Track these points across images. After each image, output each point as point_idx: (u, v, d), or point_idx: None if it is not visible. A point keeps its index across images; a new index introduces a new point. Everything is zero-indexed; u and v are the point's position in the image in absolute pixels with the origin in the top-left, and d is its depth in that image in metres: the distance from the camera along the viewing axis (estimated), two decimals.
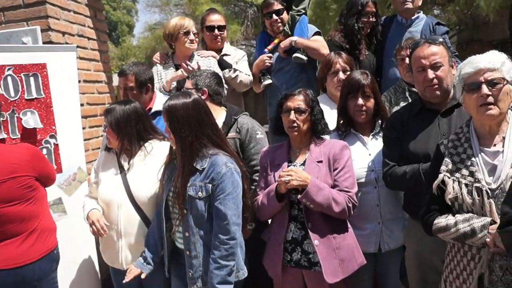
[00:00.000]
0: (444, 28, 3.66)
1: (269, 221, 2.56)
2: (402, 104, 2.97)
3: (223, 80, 3.07)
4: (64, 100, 3.05)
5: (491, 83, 1.79)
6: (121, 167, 2.66)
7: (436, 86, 2.27)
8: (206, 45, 3.85)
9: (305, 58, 3.57)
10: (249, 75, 3.66)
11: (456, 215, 1.84)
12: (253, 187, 2.63)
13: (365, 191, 2.53)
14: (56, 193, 2.92)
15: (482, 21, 9.24)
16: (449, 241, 1.91)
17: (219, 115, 2.76)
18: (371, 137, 2.65)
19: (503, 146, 1.82)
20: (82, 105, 3.51)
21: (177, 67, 3.53)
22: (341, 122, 2.69)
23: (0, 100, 2.71)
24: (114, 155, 2.71)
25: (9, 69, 2.84)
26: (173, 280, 2.45)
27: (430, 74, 2.26)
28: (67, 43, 3.53)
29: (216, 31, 3.70)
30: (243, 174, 2.30)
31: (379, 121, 2.68)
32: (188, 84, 2.79)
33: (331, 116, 2.67)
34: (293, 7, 3.77)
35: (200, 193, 2.21)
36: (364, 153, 2.60)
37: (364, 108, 2.58)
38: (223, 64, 3.57)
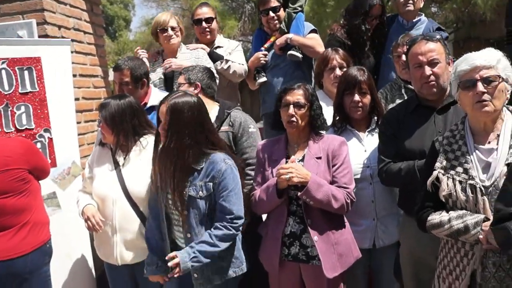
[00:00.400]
0: (444, 34, 3.65)
1: (264, 215, 2.56)
2: (398, 101, 2.97)
3: (214, 74, 3.07)
4: (58, 94, 3.03)
5: (487, 81, 1.79)
6: (116, 163, 2.65)
7: (433, 82, 2.27)
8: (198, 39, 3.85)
9: (300, 55, 3.56)
10: (243, 64, 3.63)
11: (450, 212, 1.85)
12: (248, 181, 2.64)
13: (361, 187, 2.53)
14: (50, 187, 2.91)
15: (479, 19, 9.27)
16: (443, 237, 1.92)
17: (212, 109, 2.77)
18: (367, 133, 2.65)
19: (497, 144, 1.82)
20: (77, 99, 3.50)
21: None
22: (337, 118, 2.69)
23: None
24: (109, 150, 2.70)
25: (3, 63, 2.82)
26: (168, 282, 2.42)
27: (427, 70, 2.26)
28: (63, 37, 3.51)
29: (203, 23, 3.68)
30: (239, 170, 2.30)
31: (375, 118, 2.68)
32: (181, 79, 2.79)
33: (327, 113, 2.66)
34: (290, 5, 3.75)
35: (201, 192, 2.21)
36: (360, 149, 2.60)
37: (360, 104, 2.58)
38: (214, 57, 3.55)
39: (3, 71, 2.82)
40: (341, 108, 2.65)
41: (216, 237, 2.16)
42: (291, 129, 2.42)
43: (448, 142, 1.92)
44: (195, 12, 3.79)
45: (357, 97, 2.57)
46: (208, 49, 3.61)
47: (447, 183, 1.84)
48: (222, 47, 3.70)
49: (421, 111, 2.36)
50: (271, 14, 3.65)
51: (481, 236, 1.71)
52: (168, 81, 3.43)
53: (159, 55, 3.65)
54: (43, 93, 2.95)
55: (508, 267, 1.73)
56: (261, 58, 3.67)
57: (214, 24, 3.73)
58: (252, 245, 2.50)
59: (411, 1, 3.59)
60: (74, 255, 3.05)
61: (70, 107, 3.13)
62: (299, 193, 2.28)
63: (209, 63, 3.43)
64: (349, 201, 2.33)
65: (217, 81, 3.37)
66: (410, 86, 2.79)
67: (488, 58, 1.81)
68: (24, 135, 2.83)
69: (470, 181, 1.79)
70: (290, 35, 3.59)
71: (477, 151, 1.84)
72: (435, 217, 1.88)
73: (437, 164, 1.89)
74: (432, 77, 2.26)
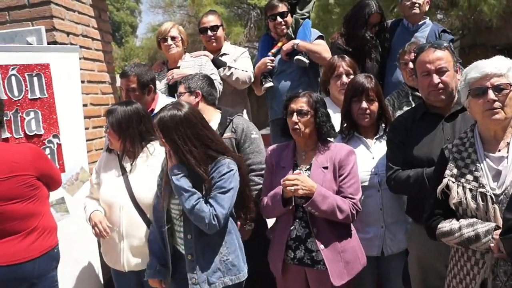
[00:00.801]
0: (449, 36, 3.65)
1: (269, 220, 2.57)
2: (405, 108, 2.96)
3: (215, 81, 3.08)
4: (67, 100, 3.05)
5: (498, 89, 1.79)
6: (122, 169, 2.66)
7: (441, 91, 2.27)
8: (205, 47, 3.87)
9: (306, 61, 3.56)
10: (246, 71, 3.62)
11: (460, 220, 1.84)
12: (251, 187, 2.63)
13: (368, 194, 2.53)
14: (59, 192, 2.91)
15: (485, 26, 9.24)
16: (453, 245, 1.91)
17: (214, 116, 2.79)
18: (374, 140, 2.65)
19: (507, 152, 1.81)
20: (85, 105, 3.52)
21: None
22: (345, 125, 2.68)
23: (4, 99, 2.71)
24: (116, 156, 2.71)
25: (13, 69, 2.85)
26: (170, 285, 2.42)
27: (436, 79, 2.25)
28: (71, 43, 3.54)
29: (209, 32, 3.69)
30: (245, 177, 2.30)
31: (383, 125, 2.68)
32: (181, 88, 2.80)
33: (334, 120, 2.66)
34: (297, 11, 3.76)
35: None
36: (368, 156, 2.59)
37: (368, 111, 2.58)
38: (217, 64, 3.56)
39: (13, 78, 2.85)
40: (349, 115, 2.65)
41: (197, 204, 2.12)
42: (296, 137, 2.43)
43: (457, 150, 1.91)
44: (201, 21, 3.81)
45: (364, 104, 2.58)
46: (211, 56, 3.61)
47: (457, 191, 1.83)
48: (228, 54, 3.70)
49: (429, 119, 2.35)
50: (279, 19, 3.66)
51: (492, 245, 1.69)
52: (172, 90, 3.45)
53: (164, 65, 3.69)
54: (52, 99, 2.97)
55: None
56: (267, 64, 3.67)
57: (220, 32, 3.73)
58: (257, 250, 2.50)
59: (417, 4, 3.60)
60: (82, 261, 3.06)
61: (78, 113, 3.16)
62: (304, 204, 2.29)
63: (211, 70, 3.44)
64: (354, 211, 2.33)
65: (221, 87, 3.40)
66: (418, 93, 2.78)
67: (499, 66, 1.81)
68: (33, 140, 2.84)
69: (481, 189, 1.79)
70: (297, 41, 3.60)
71: (487, 159, 1.83)
72: (445, 225, 1.87)
73: (447, 172, 1.88)
74: (441, 85, 2.26)
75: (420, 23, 3.69)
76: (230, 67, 3.55)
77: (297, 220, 2.39)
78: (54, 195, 2.82)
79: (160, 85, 3.52)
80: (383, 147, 2.55)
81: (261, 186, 2.64)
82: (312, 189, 2.26)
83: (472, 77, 1.84)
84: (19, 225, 2.40)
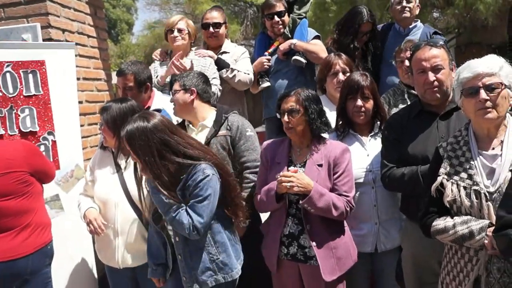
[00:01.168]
0: (441, 38, 3.66)
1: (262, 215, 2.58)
2: (401, 106, 2.97)
3: (210, 74, 3.05)
4: (62, 97, 3.04)
5: (489, 88, 1.80)
6: (117, 166, 2.66)
7: (436, 88, 2.28)
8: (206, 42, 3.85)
9: (304, 61, 3.57)
10: (248, 73, 3.61)
11: (455, 217, 1.85)
12: (246, 184, 2.68)
13: (363, 191, 2.54)
14: (54, 189, 2.92)
15: (481, 25, 9.28)
16: (447, 243, 1.92)
17: (210, 114, 2.79)
18: (369, 137, 2.66)
19: (501, 150, 1.83)
20: (81, 102, 3.51)
21: None
22: (340, 122, 2.69)
23: None
24: (110, 153, 2.71)
25: (8, 66, 2.84)
26: (168, 282, 2.43)
27: (431, 76, 2.26)
28: (67, 41, 3.52)
29: (210, 28, 3.66)
30: (229, 179, 2.29)
31: (378, 122, 2.69)
32: (176, 85, 2.79)
33: (330, 117, 2.67)
34: (295, 10, 3.76)
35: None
36: (363, 153, 2.61)
37: (363, 109, 2.59)
38: (220, 64, 3.55)
39: (8, 74, 2.84)
40: (344, 112, 2.66)
41: (176, 215, 2.12)
42: (290, 135, 2.45)
43: (452, 148, 1.92)
44: (205, 15, 3.77)
45: (359, 102, 2.59)
46: (215, 57, 3.58)
47: (451, 189, 1.85)
48: (228, 52, 3.68)
49: (424, 117, 2.36)
50: (276, 18, 3.64)
51: (486, 241, 1.71)
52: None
53: (167, 55, 3.65)
54: (47, 96, 2.96)
55: None
56: (264, 63, 3.67)
57: (222, 30, 3.70)
58: (252, 245, 2.52)
59: (407, 8, 3.62)
60: (76, 257, 3.06)
61: (74, 110, 3.15)
62: (301, 201, 2.30)
63: (214, 74, 3.40)
64: (348, 208, 2.35)
65: (219, 93, 3.38)
66: (413, 91, 2.79)
67: (490, 65, 1.82)
68: (28, 137, 2.83)
69: (475, 187, 1.80)
70: (294, 41, 3.60)
71: (481, 157, 1.85)
72: (440, 223, 1.88)
73: (442, 170, 1.90)
74: (436, 83, 2.27)
75: (411, 26, 3.72)
76: (233, 70, 3.53)
77: (290, 217, 2.40)
78: (48, 192, 2.82)
79: (162, 70, 3.49)
80: (378, 144, 2.57)
81: (255, 183, 2.65)
82: (308, 187, 2.27)
83: (464, 77, 1.85)
84: (13, 222, 2.40)
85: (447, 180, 1.87)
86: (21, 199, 2.42)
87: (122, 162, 2.64)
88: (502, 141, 1.85)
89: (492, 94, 1.80)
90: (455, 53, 10.34)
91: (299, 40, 3.61)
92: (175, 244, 2.28)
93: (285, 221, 2.40)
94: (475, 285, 1.80)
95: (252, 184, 2.68)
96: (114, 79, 3.56)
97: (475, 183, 1.80)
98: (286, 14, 3.68)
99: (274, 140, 2.61)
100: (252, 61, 3.77)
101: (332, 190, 2.36)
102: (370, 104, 2.61)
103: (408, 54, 2.79)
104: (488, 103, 1.79)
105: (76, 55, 3.42)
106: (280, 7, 3.63)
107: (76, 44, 3.56)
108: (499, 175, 1.79)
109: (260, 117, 4.06)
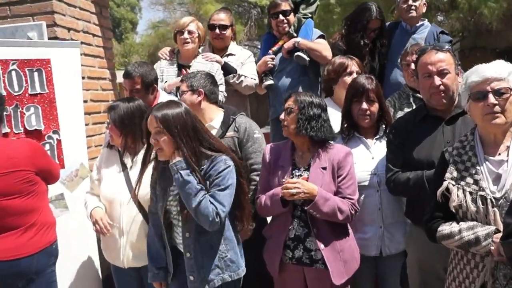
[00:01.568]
0: (447, 37, 3.67)
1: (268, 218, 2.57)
2: (406, 109, 2.98)
3: (217, 80, 3.05)
4: (67, 96, 3.05)
5: (498, 93, 1.79)
6: (123, 165, 2.66)
7: (442, 93, 2.27)
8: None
9: (307, 58, 3.57)
10: (254, 78, 3.61)
11: (460, 223, 1.84)
12: (252, 187, 2.67)
13: (367, 194, 2.54)
14: (58, 188, 2.92)
15: (485, 29, 9.28)
16: (453, 248, 1.91)
17: (217, 115, 2.79)
18: (374, 141, 2.66)
19: (507, 155, 1.82)
20: (85, 101, 3.51)
21: (179, 67, 3.53)
22: (345, 125, 2.69)
23: (3, 94, 2.71)
24: (116, 152, 2.72)
25: (13, 64, 2.84)
26: (171, 286, 2.42)
27: (437, 81, 2.26)
28: (72, 39, 3.52)
29: (217, 30, 3.65)
30: (241, 175, 2.29)
31: (383, 126, 2.69)
32: (184, 86, 2.79)
33: (336, 120, 2.67)
34: (300, 10, 3.77)
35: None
36: (367, 156, 2.60)
37: (368, 112, 2.59)
38: (227, 69, 3.53)
39: (13, 72, 2.84)
40: (349, 115, 2.66)
41: (202, 201, 2.10)
42: (285, 133, 2.46)
43: (458, 153, 1.91)
44: (212, 17, 3.76)
45: (365, 105, 2.58)
46: (222, 62, 3.55)
47: (457, 194, 1.84)
48: (234, 55, 3.67)
49: (430, 121, 2.36)
50: (281, 17, 3.66)
51: (492, 248, 1.70)
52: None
53: (174, 54, 3.63)
54: (52, 95, 2.96)
55: None
56: (268, 62, 3.68)
57: (228, 32, 3.68)
58: (257, 249, 2.51)
59: (413, 7, 3.62)
60: (80, 257, 3.06)
61: (79, 109, 3.15)
62: (306, 207, 2.30)
63: (220, 80, 3.36)
64: (353, 212, 2.36)
65: (224, 100, 3.37)
66: (418, 95, 2.78)
67: (499, 70, 1.81)
68: (33, 136, 2.83)
69: (481, 192, 1.79)
70: (298, 39, 3.61)
71: (487, 162, 1.84)
72: (445, 228, 1.88)
73: (447, 175, 1.89)
74: (442, 87, 2.26)
75: (418, 24, 3.71)
76: (239, 75, 3.53)
77: (295, 220, 2.39)
78: (53, 191, 2.82)
79: (169, 71, 3.50)
80: (383, 147, 2.56)
81: None
82: (313, 192, 2.27)
83: (472, 81, 1.84)
84: (18, 221, 2.40)
85: (453, 185, 1.86)
86: (26, 198, 2.42)
87: (128, 161, 2.64)
88: (508, 147, 1.84)
89: (500, 99, 1.79)
90: (460, 57, 10.32)
91: (303, 38, 3.61)
92: (183, 241, 2.25)
93: (291, 223, 2.39)
94: None
95: None
96: (119, 78, 3.56)
97: (481, 188, 1.80)
98: (292, 13, 3.70)
99: (277, 143, 2.61)
100: (258, 61, 3.77)
101: (336, 193, 2.37)
102: (375, 107, 2.61)
103: (414, 57, 2.79)
104: (497, 108, 1.79)
105: (81, 54, 3.42)
106: (285, 6, 3.66)
107: (82, 43, 3.56)
108: (505, 181, 1.78)
109: (264, 118, 4.07)
